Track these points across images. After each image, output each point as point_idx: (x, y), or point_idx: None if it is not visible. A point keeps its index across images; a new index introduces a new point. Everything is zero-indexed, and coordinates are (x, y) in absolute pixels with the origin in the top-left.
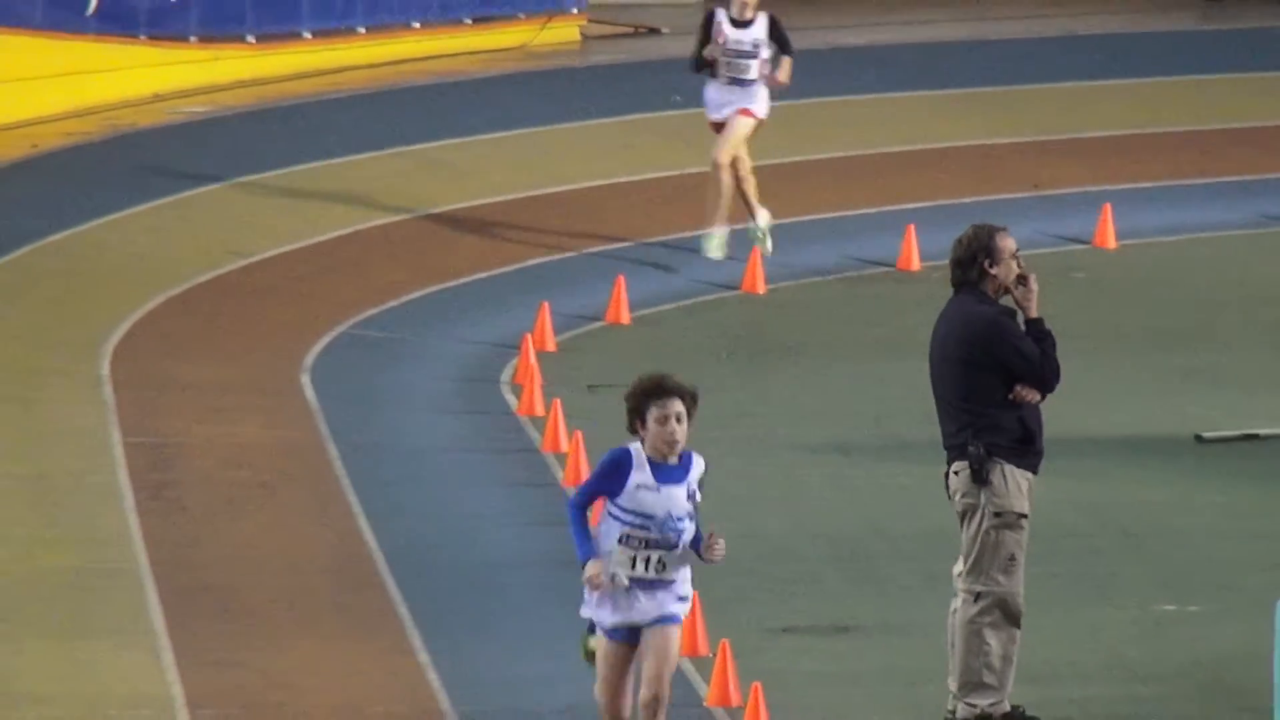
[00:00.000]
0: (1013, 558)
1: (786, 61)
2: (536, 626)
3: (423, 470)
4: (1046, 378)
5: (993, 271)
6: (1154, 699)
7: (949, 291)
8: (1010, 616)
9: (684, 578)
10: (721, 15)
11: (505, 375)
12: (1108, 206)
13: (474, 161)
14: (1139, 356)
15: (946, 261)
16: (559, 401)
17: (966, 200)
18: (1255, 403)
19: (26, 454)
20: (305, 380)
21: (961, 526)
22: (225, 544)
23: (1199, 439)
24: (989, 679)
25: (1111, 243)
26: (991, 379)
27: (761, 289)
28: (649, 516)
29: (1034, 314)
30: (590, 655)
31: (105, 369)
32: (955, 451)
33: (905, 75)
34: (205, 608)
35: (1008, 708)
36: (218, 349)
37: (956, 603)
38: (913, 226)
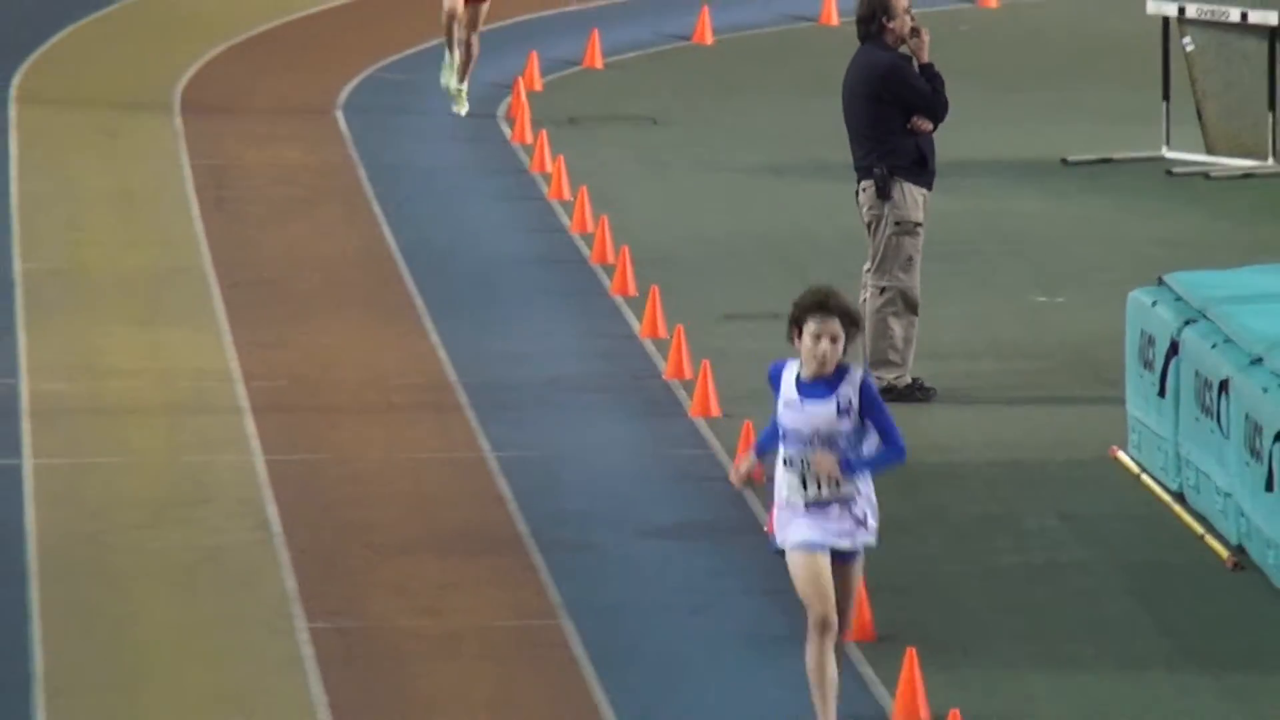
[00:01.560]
0: (910, 258)
1: None
2: (527, 314)
3: (434, 186)
4: (937, 111)
5: (890, 25)
6: (1029, 372)
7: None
8: (910, 306)
9: (864, 494)
10: None
11: (501, 110)
12: None
13: None
14: (1015, 95)
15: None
16: (545, 132)
17: None
18: (1111, 132)
19: (113, 172)
20: (339, 114)
21: (869, 234)
22: (274, 246)
23: (1064, 162)
24: (894, 357)
25: (993, 2)
26: (892, 112)
27: (710, 40)
28: (796, 433)
29: (925, 59)
30: None
31: (177, 104)
32: (863, 172)
33: None
34: (258, 298)
35: (909, 380)
36: (268, 88)
37: (865, 294)
38: None
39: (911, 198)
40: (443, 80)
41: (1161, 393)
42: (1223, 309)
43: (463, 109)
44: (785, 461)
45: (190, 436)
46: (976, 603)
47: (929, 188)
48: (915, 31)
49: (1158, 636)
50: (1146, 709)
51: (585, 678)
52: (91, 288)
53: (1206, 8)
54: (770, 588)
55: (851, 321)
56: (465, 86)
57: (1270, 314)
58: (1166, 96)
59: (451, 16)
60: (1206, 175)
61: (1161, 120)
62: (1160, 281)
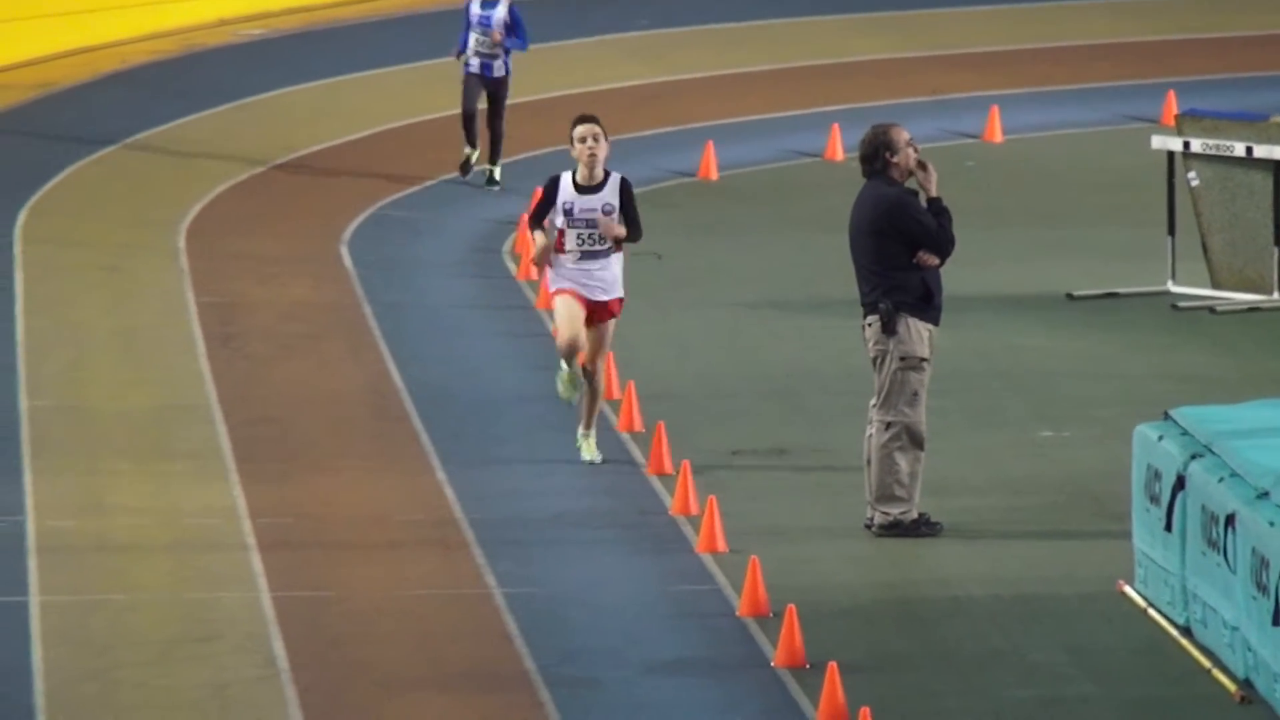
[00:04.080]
0: (916, 394)
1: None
2: (531, 450)
3: (439, 324)
4: (943, 246)
5: (894, 160)
6: (1031, 508)
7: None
8: (915, 441)
9: None
10: (566, 179)
11: (506, 246)
12: (995, 108)
13: None
14: (1020, 230)
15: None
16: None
17: (880, 103)
18: (1114, 267)
19: (117, 312)
20: (344, 251)
21: (875, 369)
22: (279, 384)
23: (1070, 296)
24: (900, 492)
25: (998, 138)
26: (898, 247)
27: (714, 176)
28: None
29: (933, 193)
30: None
31: (182, 242)
32: (869, 308)
33: (829, 1)
34: (263, 435)
35: (915, 515)
36: (273, 226)
37: (871, 429)
38: (837, 125)
39: (917, 333)
40: (561, 391)
41: (1168, 527)
42: (1229, 444)
43: (592, 455)
44: None
45: (196, 573)
46: None
47: (935, 323)
48: (922, 165)
49: None
50: None
51: None
52: (97, 425)
53: (1211, 142)
54: None
55: None
56: (593, 434)
57: (1277, 448)
58: (1172, 231)
59: (572, 348)
60: (1212, 310)
61: (1167, 255)
62: (1166, 416)
